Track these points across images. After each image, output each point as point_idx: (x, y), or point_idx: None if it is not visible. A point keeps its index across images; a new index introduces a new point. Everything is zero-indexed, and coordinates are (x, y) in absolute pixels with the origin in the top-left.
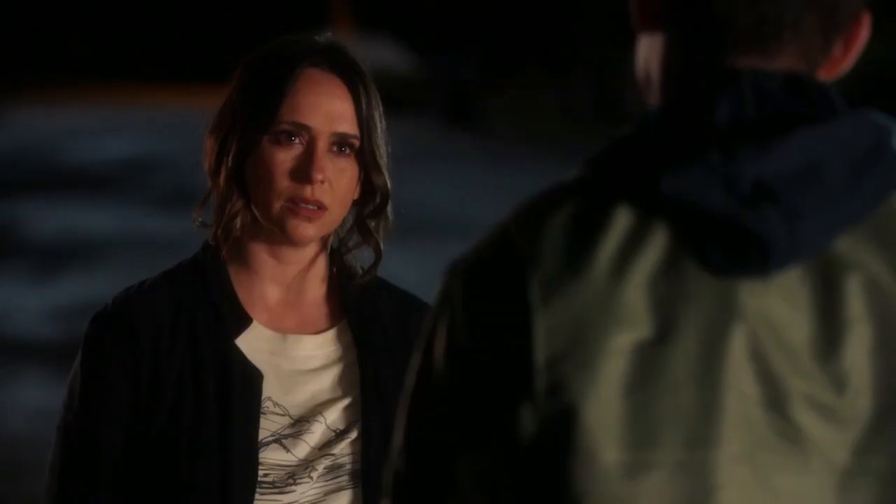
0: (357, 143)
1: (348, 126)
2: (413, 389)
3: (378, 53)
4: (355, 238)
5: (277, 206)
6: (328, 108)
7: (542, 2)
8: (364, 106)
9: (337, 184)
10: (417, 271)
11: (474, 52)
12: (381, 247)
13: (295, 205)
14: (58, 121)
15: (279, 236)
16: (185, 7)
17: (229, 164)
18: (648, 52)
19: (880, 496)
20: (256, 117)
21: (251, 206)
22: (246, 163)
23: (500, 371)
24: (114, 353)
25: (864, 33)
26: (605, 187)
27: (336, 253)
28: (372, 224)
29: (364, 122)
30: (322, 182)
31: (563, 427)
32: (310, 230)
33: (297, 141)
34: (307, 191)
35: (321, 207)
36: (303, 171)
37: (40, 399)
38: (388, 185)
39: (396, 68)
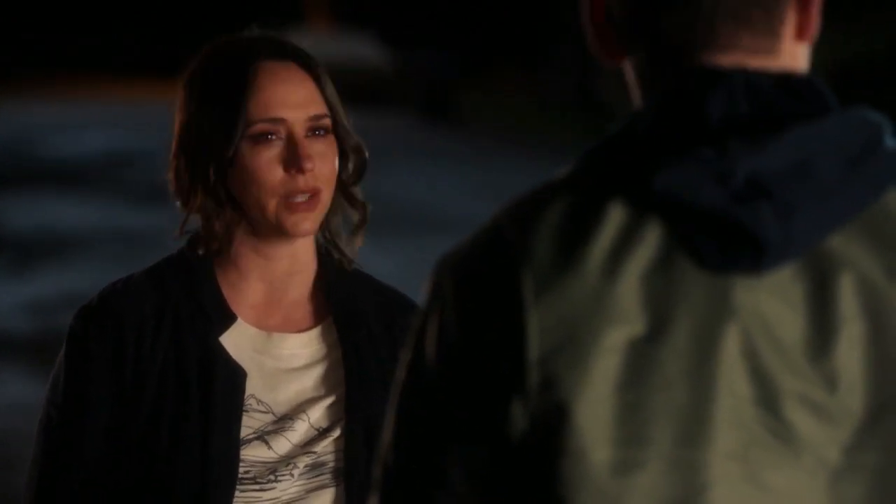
0: (329, 121)
1: (319, 107)
2: (403, 385)
3: (355, 48)
4: (341, 203)
5: (272, 205)
6: (296, 97)
7: None
8: (323, 80)
9: (323, 167)
10: (394, 265)
11: (452, 47)
12: (367, 207)
13: (290, 199)
14: (35, 115)
15: (267, 233)
16: (163, 1)
17: (211, 179)
18: (628, 76)
19: (871, 493)
20: (227, 125)
21: (242, 213)
22: (228, 174)
23: (491, 367)
24: (98, 347)
25: None
26: (597, 184)
27: (322, 247)
28: (354, 189)
29: (329, 97)
30: (312, 169)
31: (554, 424)
32: (308, 224)
33: (274, 137)
34: (300, 181)
35: (316, 194)
36: (292, 164)
37: (17, 394)
38: (361, 144)
39: (374, 63)
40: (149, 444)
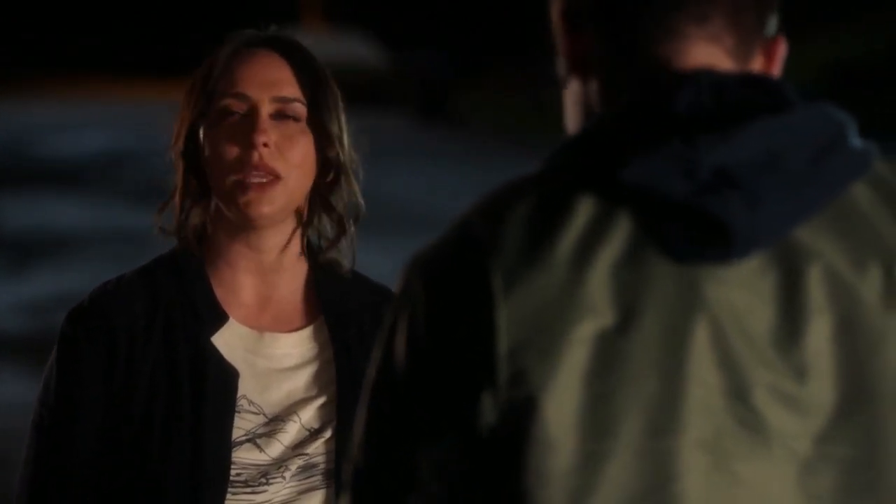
0: (303, 108)
1: (290, 90)
2: (373, 384)
3: (350, 48)
4: (319, 215)
5: (228, 182)
6: (265, 76)
7: None
8: (306, 71)
9: (288, 152)
10: (390, 266)
11: (447, 47)
12: (345, 221)
13: (244, 177)
14: (34, 115)
15: (239, 221)
16: (162, 1)
17: (182, 158)
18: (587, 94)
19: (841, 484)
20: (196, 102)
21: (212, 197)
22: (197, 154)
23: (461, 362)
24: (89, 349)
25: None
26: (566, 179)
27: (313, 249)
28: (332, 198)
29: (308, 88)
30: (266, 146)
31: (523, 416)
32: (264, 206)
33: (237, 114)
34: (254, 156)
35: (274, 176)
36: (245, 137)
37: (12, 393)
38: (343, 157)
39: (369, 63)
40: (141, 445)
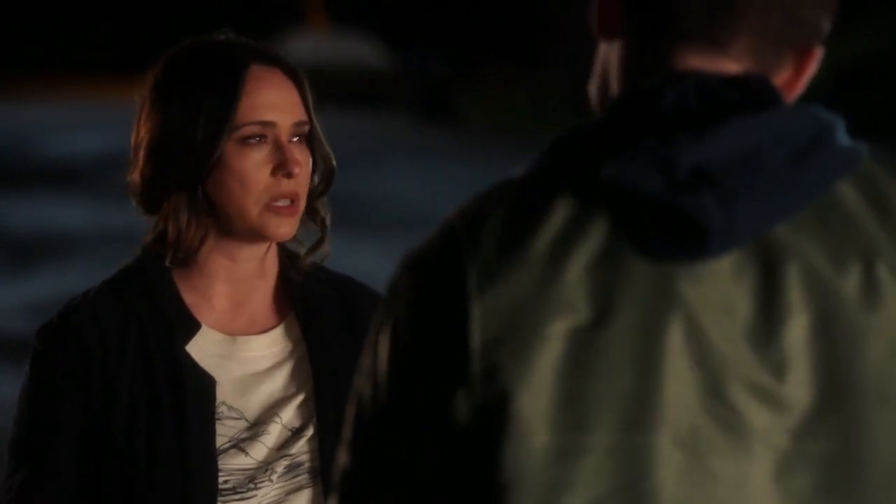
0: (308, 128)
1: (301, 113)
2: (360, 384)
3: (351, 48)
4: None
5: (256, 209)
6: (283, 102)
7: None
8: (303, 85)
9: (303, 174)
10: (389, 266)
11: (447, 46)
12: (328, 223)
13: (274, 203)
14: (30, 115)
15: (240, 237)
16: (160, 1)
17: (193, 182)
18: (607, 60)
19: (818, 481)
20: (215, 128)
21: (215, 219)
22: (211, 175)
23: (436, 358)
24: (63, 362)
25: (815, 57)
26: (547, 177)
27: (284, 248)
28: (318, 203)
29: (308, 103)
30: (298, 174)
31: (496, 412)
32: (289, 227)
33: (262, 141)
34: (284, 185)
35: (296, 199)
36: (280, 167)
37: (12, 393)
38: (331, 153)
39: (370, 63)
40: (126, 460)
